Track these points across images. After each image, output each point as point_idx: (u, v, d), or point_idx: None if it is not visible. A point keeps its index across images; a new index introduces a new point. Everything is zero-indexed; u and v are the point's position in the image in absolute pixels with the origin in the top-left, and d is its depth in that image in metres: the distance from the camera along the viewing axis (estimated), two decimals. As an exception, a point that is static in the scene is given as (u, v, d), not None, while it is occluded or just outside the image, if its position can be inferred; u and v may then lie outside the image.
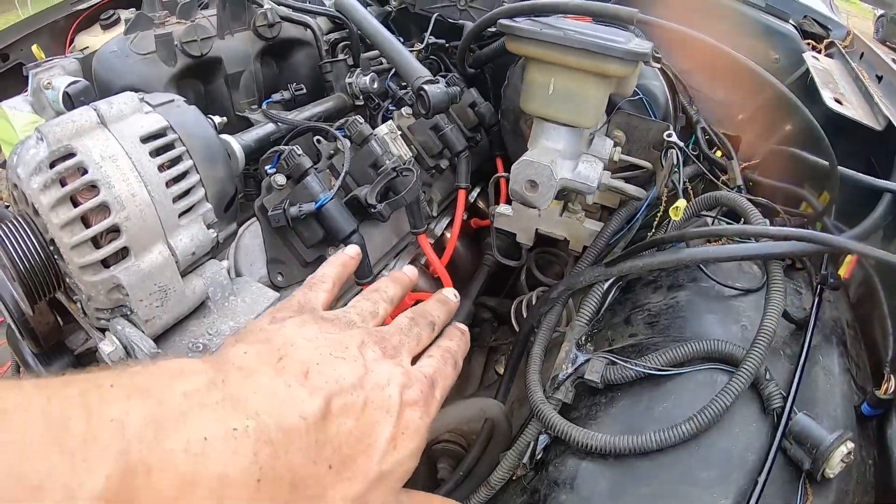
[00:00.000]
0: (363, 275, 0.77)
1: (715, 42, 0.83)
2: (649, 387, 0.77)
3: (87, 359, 0.91)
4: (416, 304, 0.94)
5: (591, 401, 0.79)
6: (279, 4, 0.97)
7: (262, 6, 0.95)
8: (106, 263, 0.63)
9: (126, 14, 1.40)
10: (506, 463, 0.79)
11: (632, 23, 0.69)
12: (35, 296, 0.66)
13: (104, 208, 0.61)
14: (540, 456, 0.78)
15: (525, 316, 0.90)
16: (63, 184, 0.61)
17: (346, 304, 0.48)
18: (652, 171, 0.88)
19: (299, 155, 0.77)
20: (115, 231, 0.62)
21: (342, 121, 0.86)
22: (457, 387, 1.09)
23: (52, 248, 0.64)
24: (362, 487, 0.33)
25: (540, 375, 0.80)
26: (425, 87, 0.78)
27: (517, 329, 0.95)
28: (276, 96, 0.92)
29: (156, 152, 0.65)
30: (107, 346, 0.66)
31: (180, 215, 0.66)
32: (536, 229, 0.92)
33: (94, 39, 1.41)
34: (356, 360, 0.37)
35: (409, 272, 0.51)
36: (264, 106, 0.91)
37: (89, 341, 0.89)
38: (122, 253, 0.63)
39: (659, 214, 0.82)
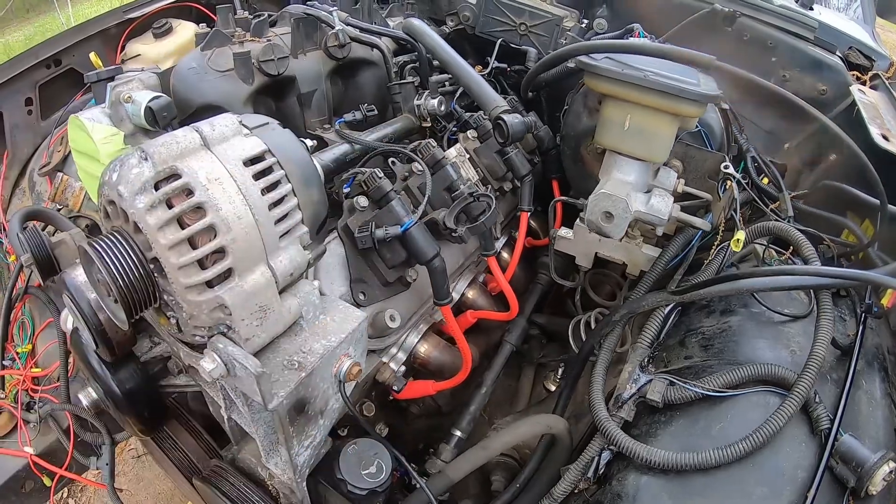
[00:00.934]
0: (442, 296, 0.81)
1: (769, 83, 0.87)
2: (706, 407, 0.82)
3: (153, 366, 0.95)
4: (477, 321, 0.99)
5: (651, 419, 0.84)
6: (348, 26, 1.00)
7: (333, 27, 0.98)
8: (210, 283, 0.65)
9: (178, 24, 1.42)
10: (569, 476, 0.83)
11: (710, 69, 0.73)
12: (133, 310, 0.68)
13: (211, 230, 0.63)
14: (602, 471, 0.83)
15: (585, 336, 0.94)
16: (170, 205, 0.63)
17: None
18: (708, 201, 0.93)
19: (380, 178, 0.81)
20: (220, 252, 0.64)
21: (415, 143, 0.90)
22: (507, 402, 1.15)
23: (152, 265, 0.66)
24: None
25: (603, 394, 0.85)
26: (504, 116, 0.81)
27: (574, 347, 0.99)
28: (348, 116, 0.96)
29: (258, 175, 0.68)
30: (208, 364, 0.68)
31: (281, 237, 0.69)
32: (596, 253, 0.96)
33: (145, 48, 1.43)
34: None
35: None
36: (336, 125, 0.95)
37: (154, 349, 0.93)
38: (227, 273, 0.65)
39: (716, 242, 0.87)
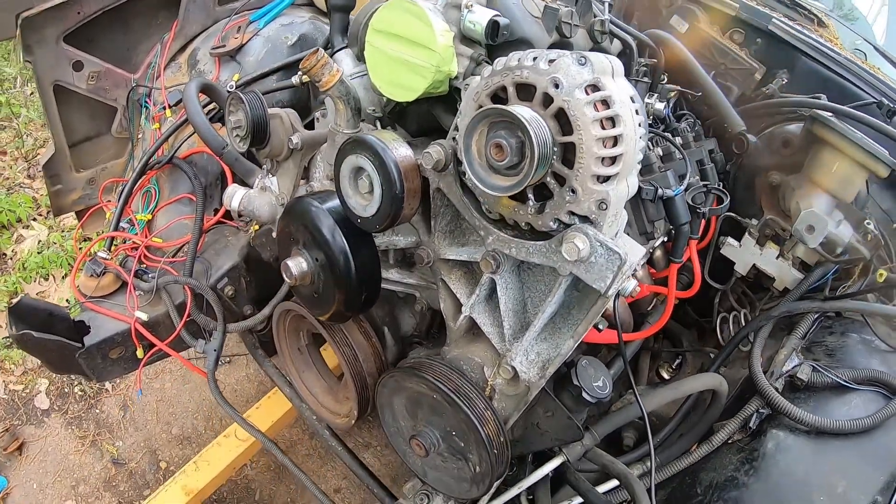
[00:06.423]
0: (678, 255, 0.99)
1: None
2: (835, 395, 1.07)
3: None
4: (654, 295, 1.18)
5: (792, 396, 1.07)
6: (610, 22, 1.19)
7: (596, 16, 1.16)
8: (599, 180, 0.76)
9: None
10: (728, 428, 1.04)
11: None
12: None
13: (616, 139, 0.76)
14: (754, 426, 1.04)
15: (733, 328, 1.19)
16: (596, 108, 0.74)
17: None
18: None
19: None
20: (616, 158, 0.76)
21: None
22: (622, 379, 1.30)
23: (556, 148, 0.76)
24: None
25: (761, 367, 1.07)
26: (747, 135, 1.04)
27: (720, 335, 1.23)
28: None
29: (636, 112, 0.79)
30: (581, 244, 0.78)
31: (637, 163, 0.82)
32: (754, 264, 1.21)
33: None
34: None
35: None
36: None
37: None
38: (615, 176, 0.77)
39: (855, 276, 1.15)
